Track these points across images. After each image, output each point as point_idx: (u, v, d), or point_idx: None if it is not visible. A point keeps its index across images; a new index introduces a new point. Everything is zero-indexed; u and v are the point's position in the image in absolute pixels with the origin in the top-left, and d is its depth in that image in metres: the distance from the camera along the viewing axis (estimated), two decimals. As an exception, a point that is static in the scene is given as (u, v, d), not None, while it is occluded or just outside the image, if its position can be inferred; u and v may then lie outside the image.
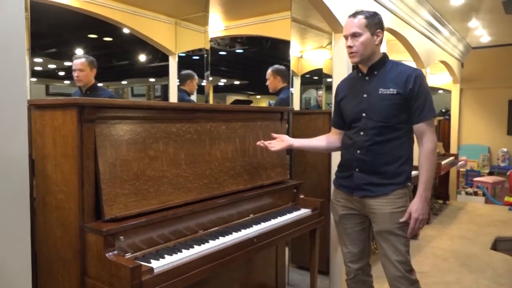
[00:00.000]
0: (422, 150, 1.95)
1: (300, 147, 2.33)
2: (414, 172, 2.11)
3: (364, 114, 1.99)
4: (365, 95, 2.00)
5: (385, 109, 1.93)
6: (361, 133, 1.99)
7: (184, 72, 3.65)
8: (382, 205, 1.96)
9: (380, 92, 1.95)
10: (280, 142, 2.23)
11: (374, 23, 1.96)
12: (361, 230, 2.11)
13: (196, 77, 3.61)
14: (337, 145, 2.21)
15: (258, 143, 2.21)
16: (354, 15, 1.98)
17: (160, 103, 2.50)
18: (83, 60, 2.88)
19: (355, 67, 2.10)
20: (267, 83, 3.36)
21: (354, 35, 1.95)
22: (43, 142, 1.64)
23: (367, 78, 2.03)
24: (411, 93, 1.91)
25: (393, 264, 1.96)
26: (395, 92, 1.92)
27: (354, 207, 2.08)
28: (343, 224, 2.13)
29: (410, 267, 1.98)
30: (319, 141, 2.28)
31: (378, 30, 1.98)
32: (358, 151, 2.00)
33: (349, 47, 1.97)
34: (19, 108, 1.28)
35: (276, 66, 3.32)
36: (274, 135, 2.26)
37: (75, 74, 2.88)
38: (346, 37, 2.00)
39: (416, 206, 1.91)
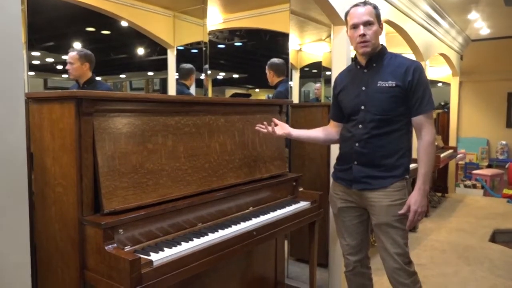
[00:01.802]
0: (421, 143, 1.94)
1: (298, 137, 2.32)
2: (412, 165, 2.11)
3: (362, 107, 1.98)
4: (363, 88, 1.99)
5: (384, 101, 1.93)
6: (360, 126, 1.99)
7: (187, 66, 3.63)
8: (381, 198, 1.96)
9: (379, 85, 1.94)
10: (280, 128, 2.21)
11: (379, 14, 1.97)
12: (360, 222, 2.12)
13: (195, 70, 3.60)
14: (335, 137, 2.21)
15: (257, 126, 2.18)
16: (364, 3, 1.96)
17: (158, 96, 2.49)
18: (74, 53, 2.89)
19: (354, 59, 2.09)
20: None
21: (368, 23, 1.92)
22: (41, 135, 1.64)
23: (365, 70, 2.02)
24: (410, 86, 1.90)
25: (391, 256, 1.97)
26: (394, 85, 1.91)
27: (352, 200, 2.08)
28: (342, 216, 2.14)
29: (408, 259, 1.99)
30: (317, 133, 2.27)
31: (381, 22, 1.98)
32: (357, 144, 2.00)
33: (363, 35, 1.91)
34: (16, 101, 1.27)
35: (272, 60, 3.30)
36: (276, 121, 2.24)
37: (66, 67, 2.90)
38: (356, 26, 1.94)
39: (415, 199, 1.91)
